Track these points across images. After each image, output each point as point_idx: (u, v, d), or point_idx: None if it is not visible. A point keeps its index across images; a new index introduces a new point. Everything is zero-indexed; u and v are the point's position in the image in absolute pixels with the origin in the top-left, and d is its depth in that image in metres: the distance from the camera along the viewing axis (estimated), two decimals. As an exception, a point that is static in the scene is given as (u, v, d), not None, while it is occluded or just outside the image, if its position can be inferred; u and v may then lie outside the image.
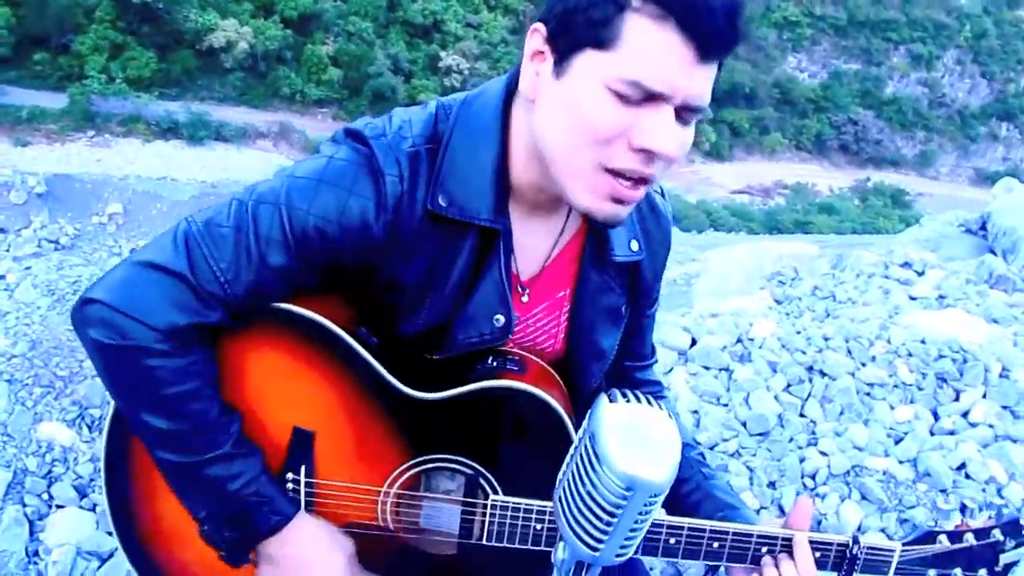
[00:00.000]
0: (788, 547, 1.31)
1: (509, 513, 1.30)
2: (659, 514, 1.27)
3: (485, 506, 1.31)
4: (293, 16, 50.78)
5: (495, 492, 1.32)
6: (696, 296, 7.51)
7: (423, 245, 1.24)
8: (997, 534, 1.34)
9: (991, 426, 3.84)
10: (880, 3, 74.47)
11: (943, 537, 1.34)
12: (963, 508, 3.37)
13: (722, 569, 1.37)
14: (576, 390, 1.41)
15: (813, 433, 3.87)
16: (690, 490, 1.48)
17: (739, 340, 4.61)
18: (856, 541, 1.32)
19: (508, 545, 1.32)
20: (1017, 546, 1.34)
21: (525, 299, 1.35)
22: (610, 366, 1.47)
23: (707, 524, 1.30)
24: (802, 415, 4.02)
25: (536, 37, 1.15)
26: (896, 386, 4.16)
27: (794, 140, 66.49)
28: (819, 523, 3.34)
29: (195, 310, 1.19)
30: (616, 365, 1.51)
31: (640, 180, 1.12)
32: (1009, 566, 1.35)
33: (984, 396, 4.06)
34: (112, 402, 1.32)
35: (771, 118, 65.56)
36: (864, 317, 5.02)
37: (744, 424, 3.92)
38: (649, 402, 0.93)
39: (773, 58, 69.86)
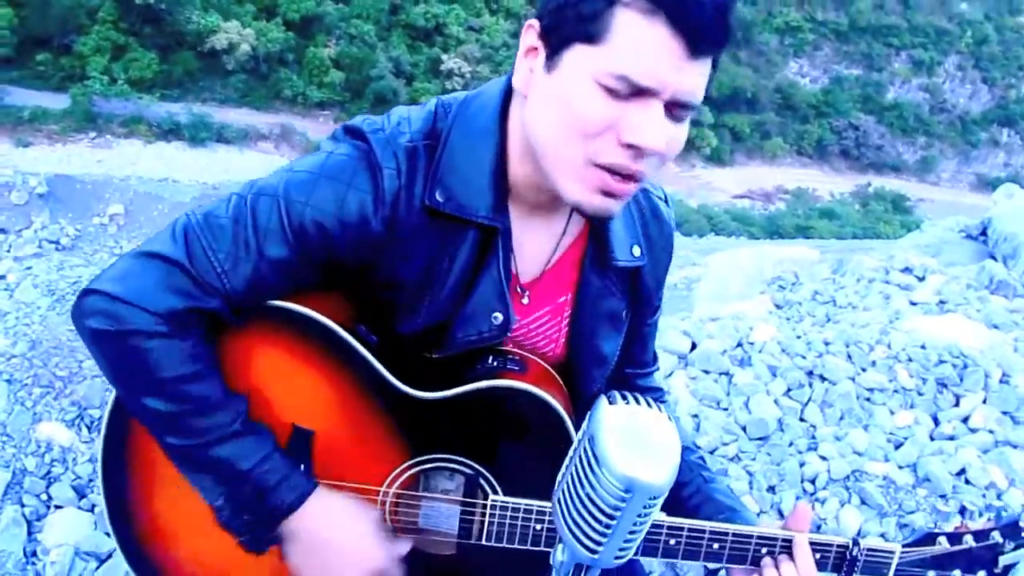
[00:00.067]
0: (788, 548, 1.31)
1: (508, 513, 1.30)
2: (659, 516, 1.27)
3: (484, 506, 1.31)
4: (295, 18, 50.86)
5: (495, 492, 1.31)
6: (696, 300, 7.52)
7: (421, 242, 1.24)
8: (996, 536, 1.34)
9: (991, 431, 3.84)
10: (881, 9, 74.56)
11: (943, 539, 1.34)
12: (963, 511, 3.36)
13: (722, 571, 1.37)
14: (577, 395, 1.41)
15: (813, 438, 3.87)
16: (691, 493, 1.48)
17: (739, 344, 4.61)
18: (856, 543, 1.32)
19: (507, 545, 1.32)
20: (1016, 548, 1.34)
21: (525, 301, 1.35)
22: (612, 372, 1.47)
23: (707, 525, 1.30)
24: (802, 419, 4.01)
25: (530, 33, 1.16)
26: (896, 391, 4.16)
27: (795, 145, 66.52)
28: (818, 528, 3.33)
29: (193, 295, 1.19)
30: (617, 372, 1.50)
31: (630, 176, 1.12)
32: (1008, 568, 1.35)
33: (984, 401, 4.05)
34: (110, 403, 1.32)
35: (772, 123, 65.63)
36: (864, 322, 5.02)
37: (744, 428, 3.92)
38: (649, 404, 0.93)
39: (775, 63, 69.95)
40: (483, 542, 1.32)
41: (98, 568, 3.00)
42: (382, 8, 55.11)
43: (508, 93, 1.26)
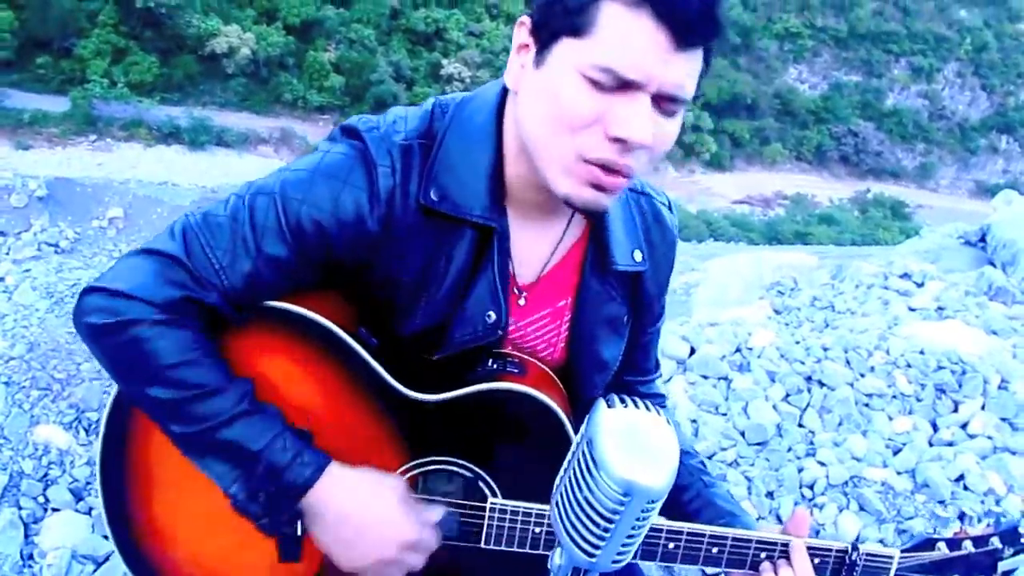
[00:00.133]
0: (787, 553, 1.31)
1: (508, 516, 1.30)
2: (658, 519, 1.27)
3: (483, 509, 1.31)
4: (295, 23, 50.96)
5: (494, 495, 1.31)
6: (695, 305, 7.51)
7: (418, 241, 1.24)
8: (995, 542, 1.34)
9: (990, 438, 3.84)
10: (881, 15, 74.76)
11: (942, 544, 1.34)
12: (962, 516, 3.36)
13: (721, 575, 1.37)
14: (577, 400, 1.40)
15: (811, 443, 3.87)
16: (691, 498, 1.47)
17: (738, 350, 4.61)
18: (855, 547, 1.32)
19: (506, 548, 1.31)
20: (1015, 553, 1.34)
21: (522, 302, 1.35)
22: (613, 379, 1.47)
23: (706, 529, 1.29)
24: (801, 425, 4.01)
25: (522, 30, 1.16)
26: (895, 397, 4.16)
27: (794, 151, 66.64)
28: (817, 533, 3.33)
29: (189, 287, 1.19)
30: (619, 378, 1.50)
31: (619, 170, 1.12)
32: (1007, 573, 1.35)
33: (983, 408, 4.06)
34: (108, 405, 1.32)
35: (772, 129, 65.75)
36: (863, 328, 5.02)
37: (742, 434, 3.92)
38: (647, 408, 0.93)
39: (774, 69, 70.09)
40: (482, 545, 1.32)
41: (95, 571, 3.00)
42: (382, 13, 55.21)
43: (505, 94, 1.26)
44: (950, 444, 3.84)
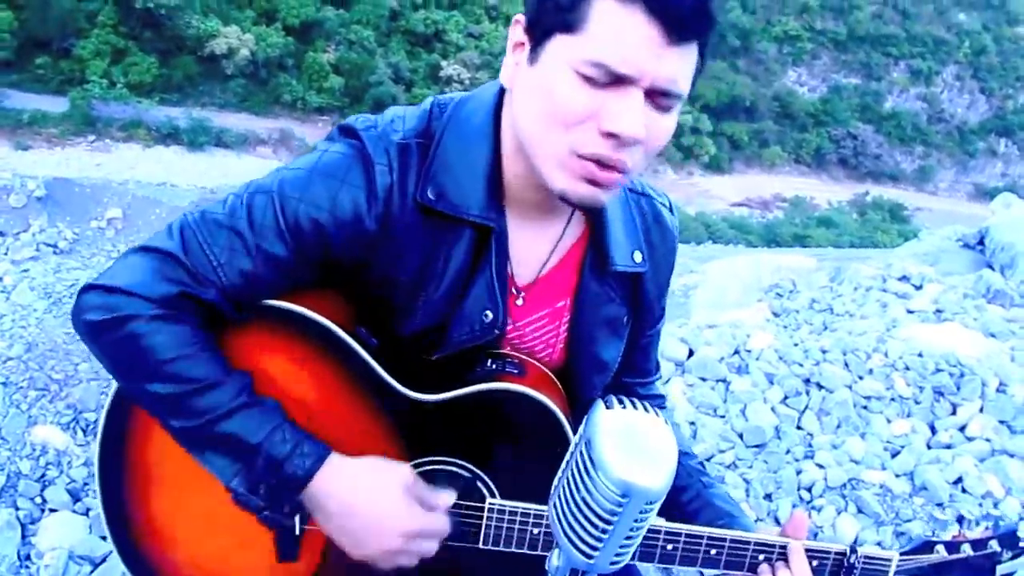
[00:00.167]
0: (785, 555, 1.30)
1: (506, 517, 1.29)
2: (656, 520, 1.26)
3: (482, 509, 1.30)
4: (295, 24, 50.98)
5: (492, 495, 1.31)
6: (694, 307, 7.52)
7: (415, 241, 1.24)
8: (994, 545, 1.33)
9: (988, 440, 3.84)
10: (880, 18, 74.86)
11: (940, 547, 1.34)
12: (961, 520, 3.36)
13: (718, 578, 1.37)
14: (576, 401, 1.40)
15: (810, 446, 3.87)
16: (690, 498, 1.47)
17: (736, 352, 4.61)
18: (853, 550, 1.32)
19: (505, 549, 1.31)
20: (1014, 557, 1.34)
21: (520, 303, 1.35)
22: (613, 380, 1.46)
23: (704, 531, 1.29)
24: (799, 427, 4.01)
25: (516, 28, 1.17)
26: (893, 399, 4.16)
27: (793, 154, 66.70)
28: (815, 536, 3.33)
29: (186, 283, 1.20)
30: (618, 380, 1.50)
31: (613, 166, 1.12)
32: (1006, 577, 1.35)
33: (981, 410, 4.06)
34: (107, 404, 1.31)
35: (771, 131, 65.80)
36: (862, 330, 5.02)
37: (741, 436, 3.92)
38: (646, 408, 0.92)
39: (773, 72, 70.17)
40: (480, 545, 1.31)
41: (92, 572, 2.99)
42: (382, 14, 55.24)
43: (503, 94, 1.27)
44: (948, 447, 3.84)
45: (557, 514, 0.93)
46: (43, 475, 3.46)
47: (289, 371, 1.28)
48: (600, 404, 0.91)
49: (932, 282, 6.17)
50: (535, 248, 1.33)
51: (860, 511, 3.47)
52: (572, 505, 0.90)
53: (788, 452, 3.81)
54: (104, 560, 3.02)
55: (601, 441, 0.87)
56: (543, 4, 1.10)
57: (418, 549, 1.25)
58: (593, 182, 1.13)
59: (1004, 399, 4.07)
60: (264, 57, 48.67)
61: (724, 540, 1.30)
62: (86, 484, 3.43)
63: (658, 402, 1.62)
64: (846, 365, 4.42)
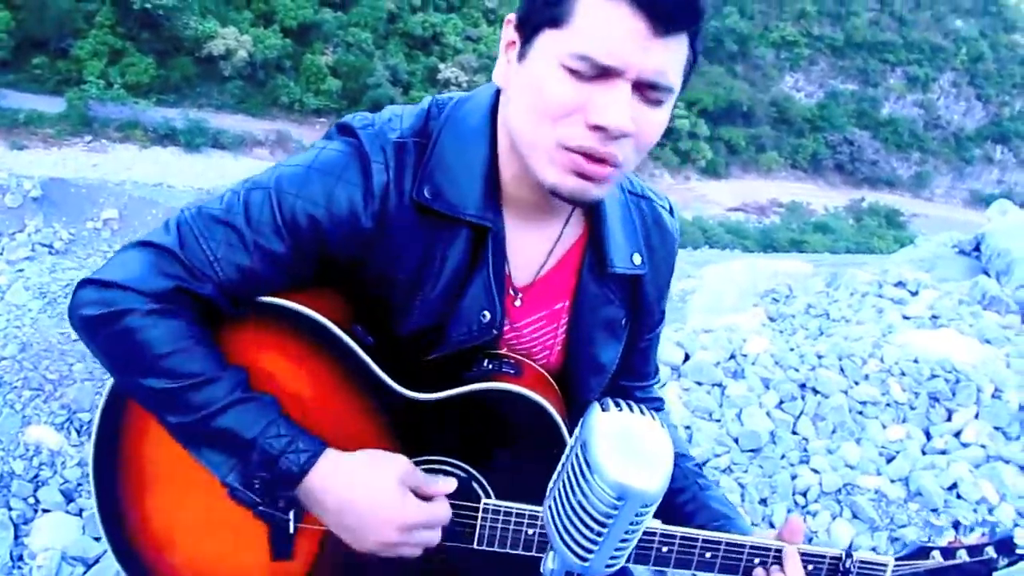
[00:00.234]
0: (780, 559, 1.30)
1: (501, 517, 1.29)
2: (652, 523, 1.26)
3: (477, 509, 1.30)
4: (293, 25, 50.94)
5: (488, 496, 1.31)
6: (690, 312, 7.52)
7: (412, 240, 1.24)
8: (990, 551, 1.33)
9: (983, 446, 3.84)
10: (877, 25, 75.06)
11: (936, 553, 1.34)
12: (956, 525, 3.36)
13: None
14: (574, 403, 1.40)
15: (805, 450, 3.87)
16: (686, 500, 1.47)
17: (732, 356, 4.61)
18: (849, 555, 1.32)
19: (499, 549, 1.31)
20: (1010, 564, 1.34)
21: (518, 303, 1.34)
22: (611, 383, 1.46)
23: (700, 534, 1.29)
24: (794, 432, 4.01)
25: (508, 28, 1.18)
26: (889, 405, 4.17)
27: (790, 159, 66.78)
28: (810, 540, 3.32)
29: (183, 278, 1.20)
30: (617, 382, 1.49)
31: (602, 159, 1.12)
32: (1002, 583, 1.35)
33: (976, 416, 4.06)
34: (101, 404, 1.31)
35: (767, 137, 65.89)
36: (857, 336, 5.02)
37: (736, 440, 3.91)
38: (642, 411, 0.92)
39: (770, 77, 70.30)
40: (475, 546, 1.31)
41: (85, 573, 2.98)
42: (380, 16, 55.24)
43: (499, 95, 1.27)
44: (943, 452, 3.84)
45: (552, 516, 0.92)
46: (36, 475, 3.45)
47: (285, 368, 1.27)
48: (596, 406, 0.91)
49: (928, 288, 6.18)
50: (533, 249, 1.33)
51: (855, 516, 3.47)
52: (567, 507, 0.90)
53: (783, 457, 3.81)
54: (97, 561, 3.01)
55: (597, 444, 0.87)
56: (532, 1, 1.11)
57: (419, 540, 1.25)
58: (582, 175, 1.13)
59: (999, 405, 4.07)
60: (262, 59, 48.61)
61: (719, 543, 1.29)
62: (80, 485, 3.42)
63: (656, 405, 1.62)
64: (842, 370, 4.42)
